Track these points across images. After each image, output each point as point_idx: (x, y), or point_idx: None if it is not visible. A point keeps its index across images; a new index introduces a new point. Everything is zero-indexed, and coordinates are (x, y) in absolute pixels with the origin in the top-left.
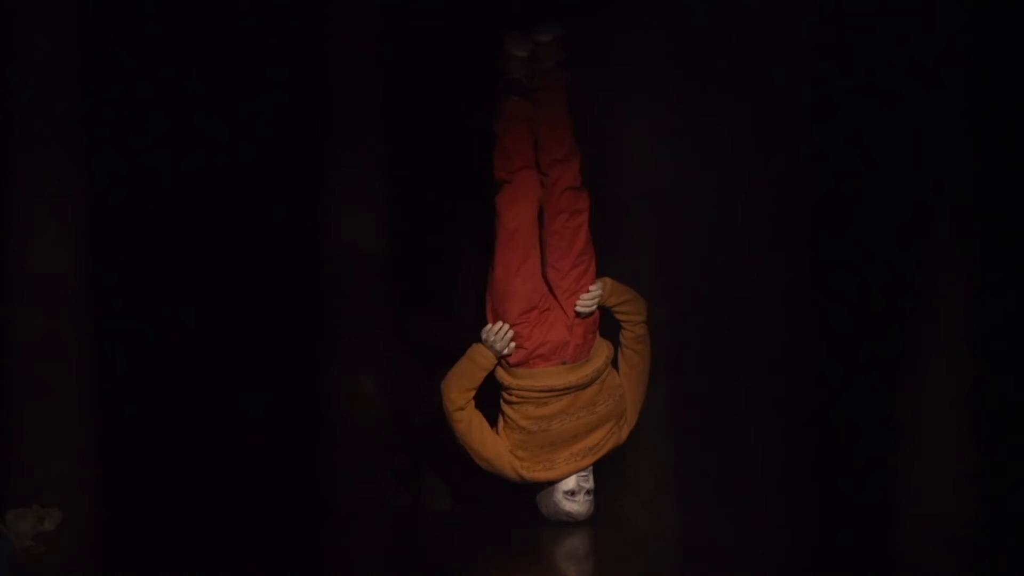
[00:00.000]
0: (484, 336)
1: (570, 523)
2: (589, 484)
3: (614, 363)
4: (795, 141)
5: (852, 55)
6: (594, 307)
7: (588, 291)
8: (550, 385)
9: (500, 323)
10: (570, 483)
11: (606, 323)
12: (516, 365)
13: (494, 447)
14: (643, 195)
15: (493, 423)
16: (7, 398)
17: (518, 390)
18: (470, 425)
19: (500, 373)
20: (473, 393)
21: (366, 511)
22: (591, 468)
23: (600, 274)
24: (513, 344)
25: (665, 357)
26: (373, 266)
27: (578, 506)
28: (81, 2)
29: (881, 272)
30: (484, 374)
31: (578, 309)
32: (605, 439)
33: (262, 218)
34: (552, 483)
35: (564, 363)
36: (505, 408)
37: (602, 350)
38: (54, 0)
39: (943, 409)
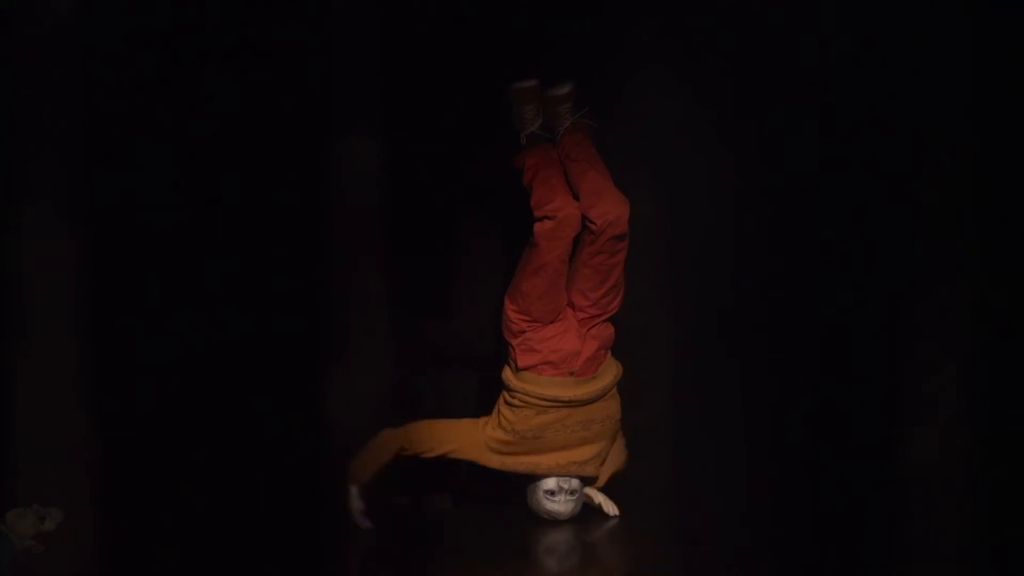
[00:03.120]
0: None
1: (553, 521)
2: (570, 485)
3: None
4: (793, 142)
5: (849, 58)
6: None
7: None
8: (555, 395)
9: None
10: (550, 483)
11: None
12: (526, 368)
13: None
14: (641, 199)
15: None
16: (7, 398)
17: (522, 394)
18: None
19: (507, 374)
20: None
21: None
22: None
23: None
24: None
25: (663, 356)
26: (374, 267)
27: (559, 506)
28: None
29: (880, 273)
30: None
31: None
32: (591, 459)
33: (262, 219)
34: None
35: (572, 374)
36: (504, 409)
37: (611, 369)
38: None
39: (943, 410)
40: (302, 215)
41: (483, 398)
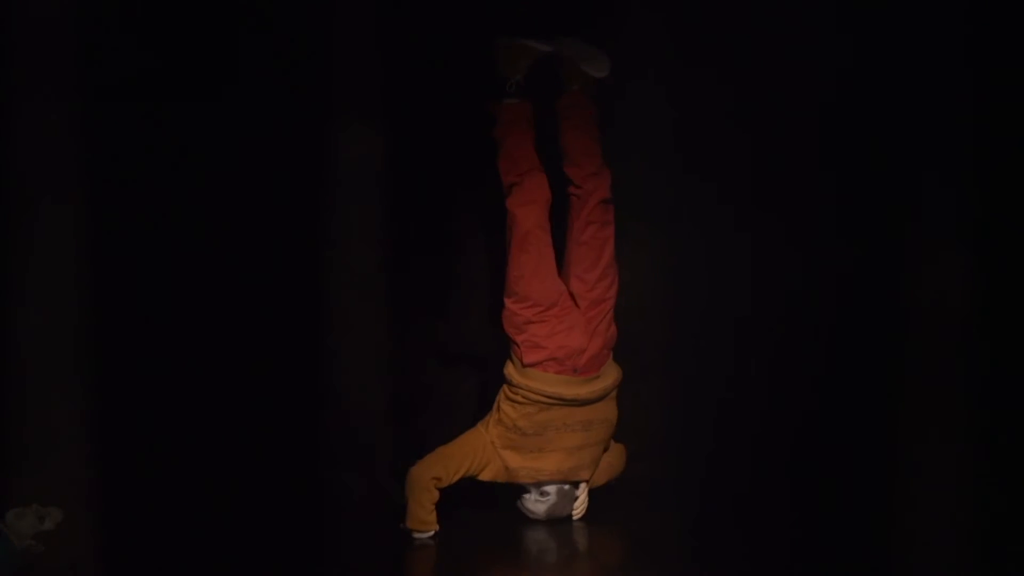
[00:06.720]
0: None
1: (548, 522)
2: (548, 487)
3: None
4: (796, 144)
5: (849, 59)
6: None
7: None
8: (558, 393)
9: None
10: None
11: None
12: (531, 365)
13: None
14: (641, 199)
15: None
16: (7, 398)
17: (525, 390)
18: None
19: (510, 370)
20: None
21: (365, 511)
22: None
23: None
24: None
25: (661, 358)
26: (374, 265)
27: (554, 507)
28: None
29: (881, 274)
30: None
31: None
32: (590, 463)
33: (262, 217)
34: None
35: (576, 371)
36: (505, 406)
37: (612, 371)
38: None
39: (945, 418)
40: (303, 215)
41: (483, 399)
